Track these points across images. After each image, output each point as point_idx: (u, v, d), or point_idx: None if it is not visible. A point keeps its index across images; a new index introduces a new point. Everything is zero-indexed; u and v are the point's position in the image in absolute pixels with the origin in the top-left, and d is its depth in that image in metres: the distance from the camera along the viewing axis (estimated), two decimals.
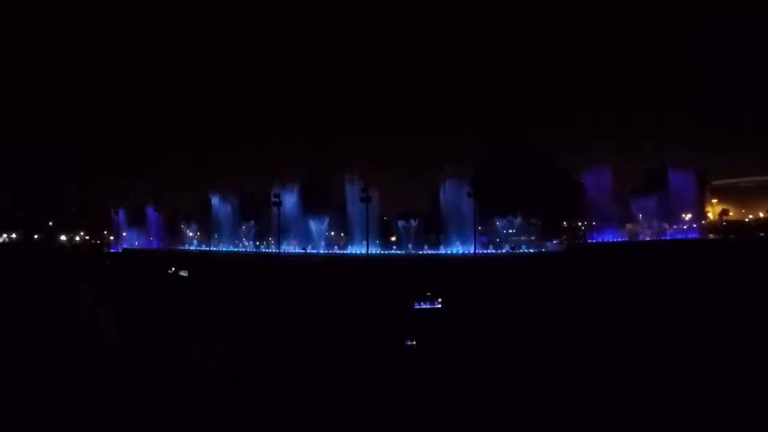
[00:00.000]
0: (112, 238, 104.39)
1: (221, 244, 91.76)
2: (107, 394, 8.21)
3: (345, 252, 74.04)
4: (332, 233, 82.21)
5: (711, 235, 73.58)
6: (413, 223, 74.55)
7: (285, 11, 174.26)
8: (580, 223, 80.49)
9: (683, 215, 74.47)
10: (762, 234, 73.69)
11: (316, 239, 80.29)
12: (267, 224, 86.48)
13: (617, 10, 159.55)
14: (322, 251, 74.53)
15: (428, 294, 16.37)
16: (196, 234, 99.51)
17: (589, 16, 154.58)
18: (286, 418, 7.54)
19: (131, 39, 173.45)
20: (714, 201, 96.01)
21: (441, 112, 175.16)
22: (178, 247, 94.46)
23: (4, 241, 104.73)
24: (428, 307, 15.58)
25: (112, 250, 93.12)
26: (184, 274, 36.77)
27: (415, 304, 16.02)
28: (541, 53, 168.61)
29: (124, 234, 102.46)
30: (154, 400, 8.05)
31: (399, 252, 70.73)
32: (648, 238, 73.02)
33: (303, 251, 71.99)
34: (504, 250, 63.92)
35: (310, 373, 9.13)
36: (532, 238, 71.90)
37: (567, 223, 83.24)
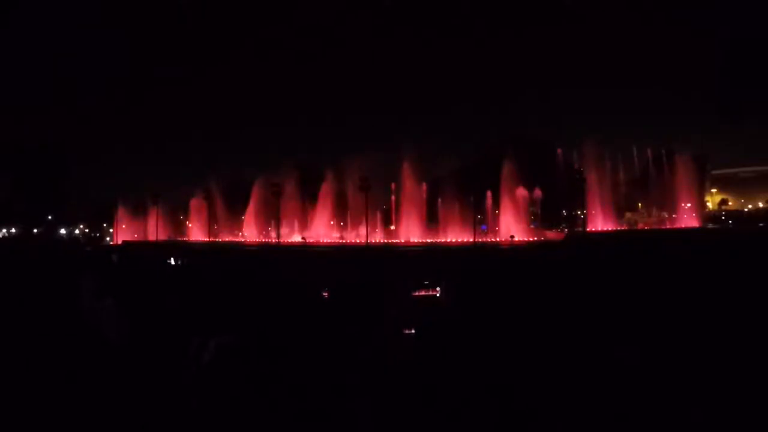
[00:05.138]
0: (111, 230, 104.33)
1: (221, 234, 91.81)
2: (106, 388, 8.15)
3: (344, 241, 74.07)
4: (332, 222, 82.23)
5: (710, 225, 73.61)
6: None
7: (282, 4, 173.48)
8: (579, 212, 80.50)
9: (683, 204, 74.44)
10: (761, 224, 73.64)
11: (314, 228, 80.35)
12: (267, 213, 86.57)
13: None
14: (321, 240, 74.58)
15: (426, 282, 16.27)
16: (196, 224, 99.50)
17: (588, 3, 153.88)
18: (284, 411, 7.47)
19: (130, 36, 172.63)
20: (713, 191, 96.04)
21: (441, 103, 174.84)
22: (177, 239, 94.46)
23: (3, 236, 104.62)
24: (426, 294, 15.51)
25: (111, 243, 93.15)
26: (176, 262, 36.75)
27: (414, 292, 15.94)
28: (538, 43, 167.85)
29: (124, 226, 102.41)
30: (154, 394, 8.00)
31: (398, 240, 70.76)
32: (647, 227, 73.07)
33: (302, 240, 72.04)
34: (503, 239, 63.91)
35: (308, 363, 9.05)
36: (532, 226, 71.96)
37: (566, 212, 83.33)
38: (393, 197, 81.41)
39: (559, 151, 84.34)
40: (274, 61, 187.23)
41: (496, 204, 73.93)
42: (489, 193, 74.60)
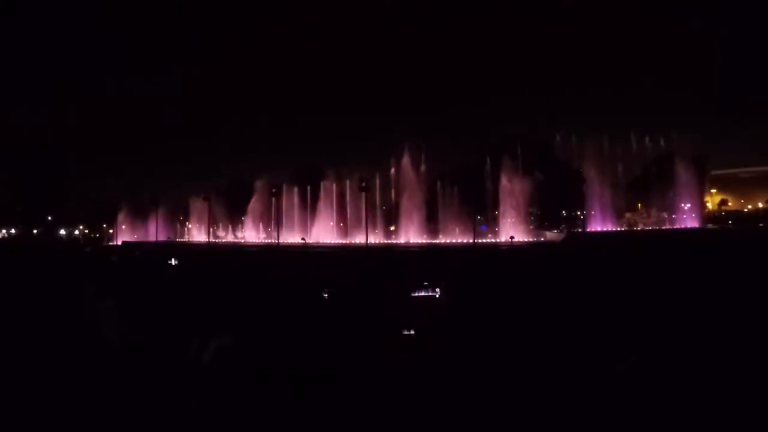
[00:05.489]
0: (111, 231, 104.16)
1: (221, 235, 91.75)
2: (107, 388, 8.15)
3: (344, 242, 74.01)
4: (331, 223, 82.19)
5: (710, 225, 73.46)
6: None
7: (281, 7, 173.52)
8: (579, 213, 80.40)
9: (683, 205, 74.28)
10: (761, 224, 73.53)
11: (315, 229, 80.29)
12: (267, 214, 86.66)
13: None
14: (321, 241, 74.54)
15: (426, 283, 16.32)
16: (196, 225, 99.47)
17: (588, 3, 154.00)
18: (285, 411, 7.47)
19: (130, 36, 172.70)
20: (713, 191, 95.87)
21: (441, 103, 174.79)
22: (177, 240, 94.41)
23: (3, 237, 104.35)
24: (426, 295, 15.55)
25: (111, 244, 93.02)
26: (176, 263, 36.72)
27: (414, 293, 15.97)
28: (538, 43, 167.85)
29: (123, 227, 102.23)
30: (154, 394, 8.00)
31: (398, 241, 70.71)
32: (647, 228, 72.94)
33: (302, 241, 72.00)
34: (503, 239, 63.81)
35: (308, 364, 9.06)
36: (531, 227, 71.79)
37: (566, 213, 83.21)
38: (393, 198, 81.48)
39: (556, 137, 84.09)
40: (274, 61, 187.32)
41: (496, 205, 73.80)
42: (488, 194, 74.50)
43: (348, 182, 79.79)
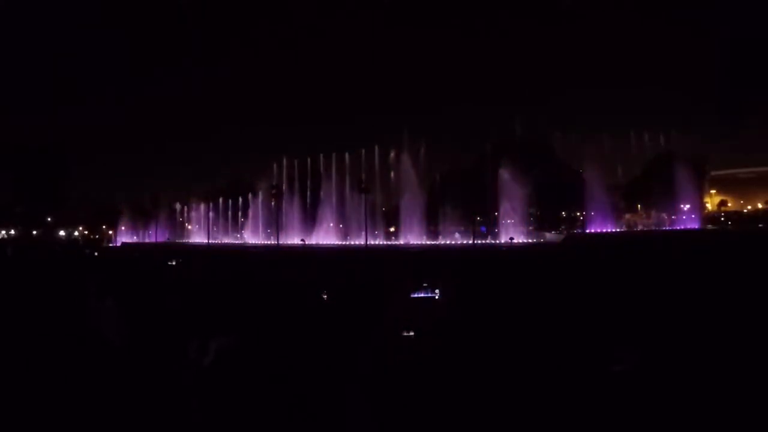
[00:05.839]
0: (110, 232, 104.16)
1: (221, 236, 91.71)
2: (107, 388, 8.15)
3: (344, 243, 73.99)
4: (331, 224, 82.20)
5: (710, 226, 73.44)
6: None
7: (281, 7, 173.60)
8: (578, 214, 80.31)
9: (682, 205, 74.27)
10: (761, 225, 73.52)
11: (315, 230, 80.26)
12: (267, 216, 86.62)
13: None
14: (321, 242, 74.51)
15: (425, 284, 16.34)
16: (196, 226, 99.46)
17: (588, 3, 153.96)
18: (284, 411, 7.48)
19: (130, 36, 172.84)
20: (713, 192, 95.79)
21: (441, 103, 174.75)
22: (176, 241, 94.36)
23: (3, 238, 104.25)
24: (425, 296, 15.57)
25: (110, 245, 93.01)
26: (177, 264, 36.71)
27: (413, 293, 15.99)
28: (538, 43, 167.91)
29: (123, 228, 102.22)
30: (154, 395, 8.00)
31: (398, 243, 70.67)
32: (647, 229, 72.92)
33: (302, 242, 71.99)
34: (503, 241, 63.78)
35: (307, 364, 9.07)
36: (531, 228, 71.72)
37: (566, 214, 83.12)
38: (393, 199, 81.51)
39: (556, 137, 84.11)
40: (274, 61, 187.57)
41: (496, 205, 73.75)
42: (488, 195, 74.41)
43: (348, 183, 79.88)
